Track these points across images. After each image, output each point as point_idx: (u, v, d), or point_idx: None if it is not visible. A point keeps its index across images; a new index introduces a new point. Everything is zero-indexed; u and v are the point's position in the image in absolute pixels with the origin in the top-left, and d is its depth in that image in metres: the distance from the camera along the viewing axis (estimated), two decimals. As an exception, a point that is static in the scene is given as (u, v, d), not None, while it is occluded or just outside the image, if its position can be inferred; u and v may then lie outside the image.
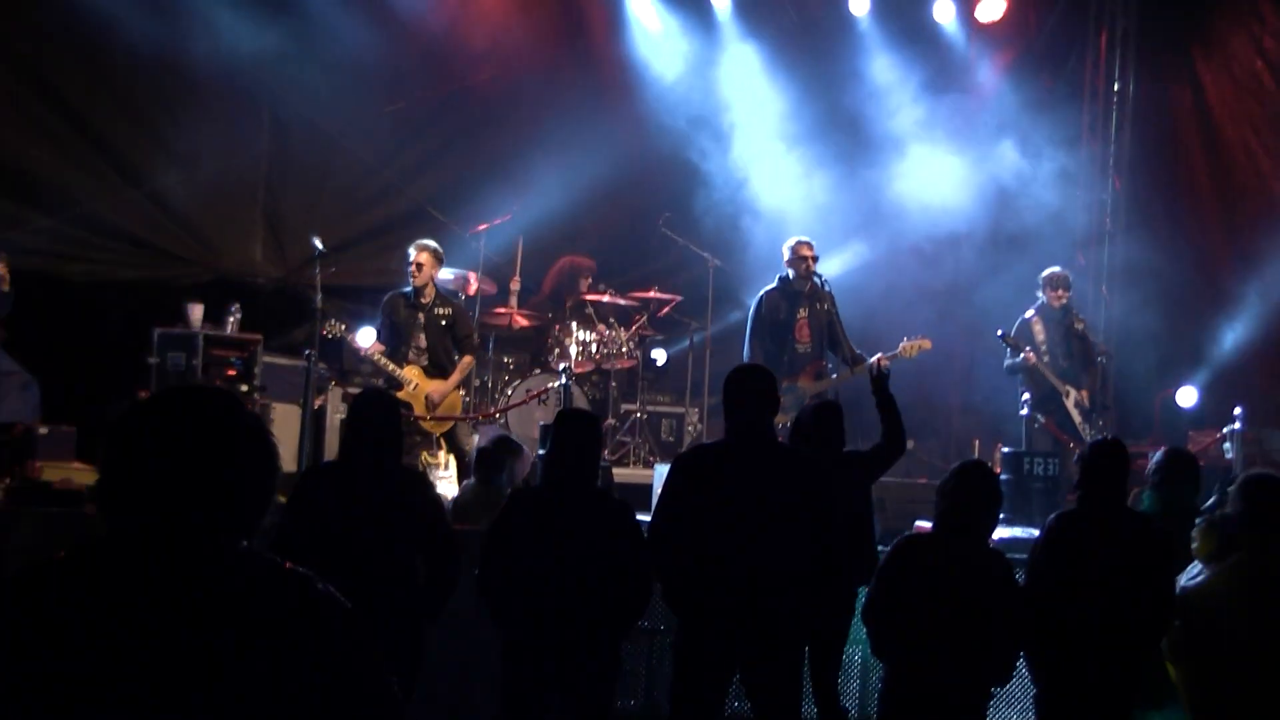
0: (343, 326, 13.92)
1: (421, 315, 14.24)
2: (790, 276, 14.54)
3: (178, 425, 3.20)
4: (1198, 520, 7.86)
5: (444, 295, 14.57)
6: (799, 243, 14.62)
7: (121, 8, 15.54)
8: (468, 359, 14.51)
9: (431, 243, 14.35)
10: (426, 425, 14.18)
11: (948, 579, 7.37)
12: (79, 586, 3.11)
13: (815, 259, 14.54)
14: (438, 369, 14.26)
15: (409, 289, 14.24)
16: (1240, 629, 7.26)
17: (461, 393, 15.19)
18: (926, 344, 14.65)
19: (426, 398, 14.09)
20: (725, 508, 7.53)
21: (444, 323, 14.35)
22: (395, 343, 14.11)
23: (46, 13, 15.83)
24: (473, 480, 11.61)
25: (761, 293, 14.65)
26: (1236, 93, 19.22)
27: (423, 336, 14.21)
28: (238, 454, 3.24)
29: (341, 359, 15.04)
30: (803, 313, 14.52)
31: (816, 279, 14.46)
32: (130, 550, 3.14)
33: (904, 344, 14.54)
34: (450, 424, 14.28)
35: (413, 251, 14.19)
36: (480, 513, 10.64)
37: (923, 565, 7.47)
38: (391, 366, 13.92)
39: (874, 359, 14.36)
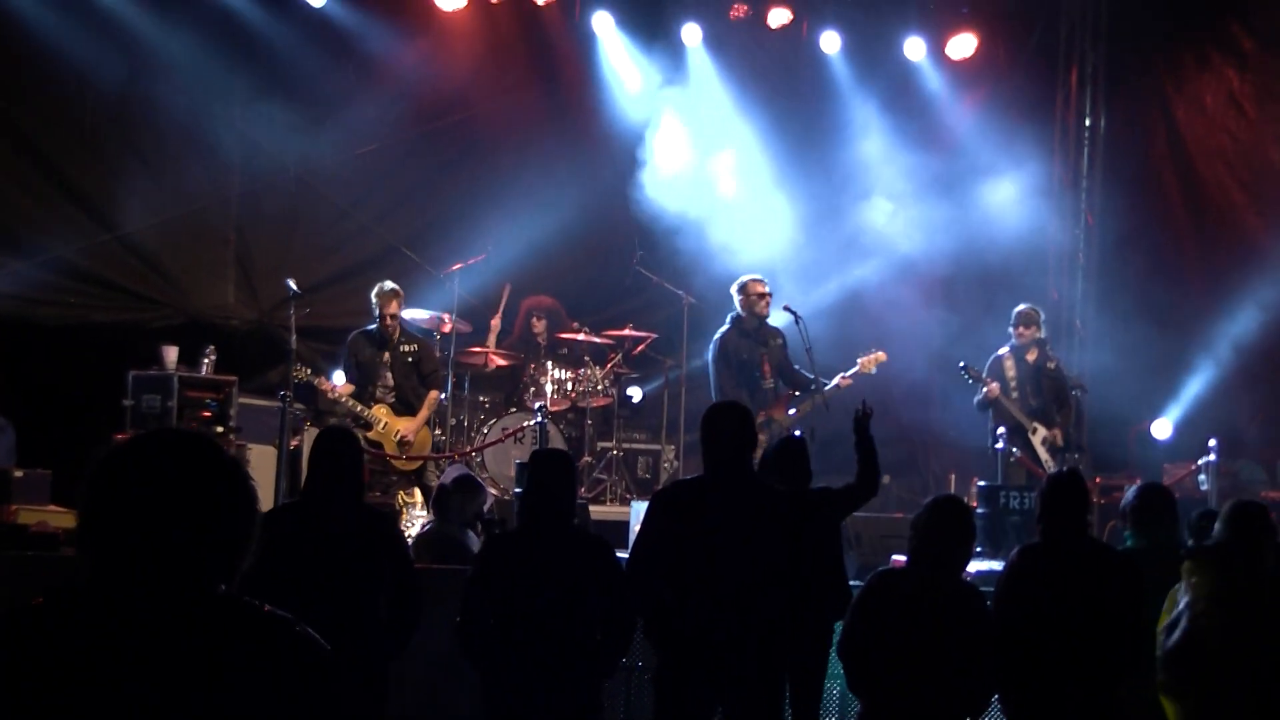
0: (308, 370, 13.91)
1: (388, 354, 14.25)
2: (743, 315, 14.59)
3: (157, 469, 3.18)
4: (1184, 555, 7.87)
5: (408, 332, 14.62)
6: (752, 280, 14.69)
7: (91, 54, 15.62)
8: (434, 394, 14.54)
9: (390, 284, 14.38)
10: (398, 464, 14.17)
11: (922, 613, 7.36)
12: (59, 631, 3.09)
13: (770, 295, 14.60)
14: (405, 406, 14.26)
15: (373, 328, 14.27)
16: (1239, 654, 7.29)
17: (435, 430, 15.21)
18: (882, 356, 14.83)
19: (398, 436, 14.08)
20: (704, 543, 7.52)
21: (410, 360, 14.38)
22: (362, 382, 14.10)
23: (16, 61, 15.84)
24: (433, 519, 11.61)
25: (717, 335, 14.72)
26: (1208, 127, 19.33)
27: (390, 375, 14.23)
28: (217, 497, 3.22)
29: (316, 400, 15.01)
30: (763, 350, 14.60)
31: (766, 316, 14.58)
32: (111, 595, 3.13)
33: (861, 360, 14.71)
34: (420, 462, 14.28)
35: (379, 301, 14.21)
36: (438, 550, 10.66)
37: (897, 599, 7.46)
38: (360, 407, 13.92)
39: (834, 381, 14.51)
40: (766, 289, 14.60)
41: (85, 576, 3.17)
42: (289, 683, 3.17)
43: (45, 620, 3.13)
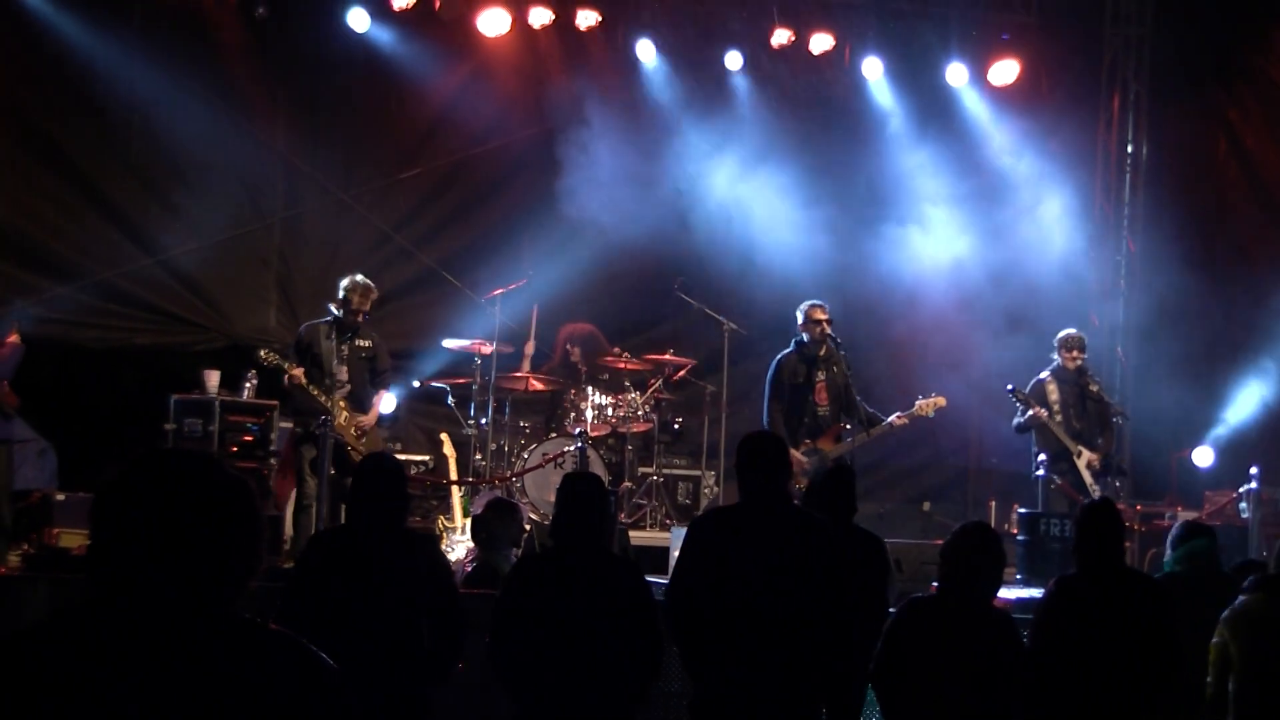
0: (276, 355, 13.68)
1: (346, 348, 14.00)
2: (805, 340, 14.55)
3: (162, 490, 3.20)
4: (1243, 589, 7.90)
5: (367, 328, 14.28)
6: (812, 306, 14.63)
7: (135, 78, 15.73)
8: (383, 393, 14.32)
9: (363, 278, 14.12)
10: (354, 454, 13.73)
11: (952, 640, 7.34)
12: (63, 652, 3.11)
13: (830, 322, 14.56)
14: (356, 401, 14.06)
15: (331, 320, 13.98)
16: None
17: (474, 454, 15.24)
18: (941, 401, 14.69)
19: (356, 428, 13.88)
20: (742, 570, 7.52)
21: (364, 355, 14.16)
22: (315, 374, 13.76)
23: (60, 84, 16.02)
24: (478, 552, 11.60)
25: (778, 358, 14.65)
26: (1251, 153, 19.27)
27: (345, 369, 13.95)
28: (223, 517, 3.24)
29: (286, 388, 14.49)
30: (820, 376, 14.53)
31: (832, 342, 14.47)
32: (117, 615, 3.14)
33: (920, 403, 14.60)
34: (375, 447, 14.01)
35: (354, 295, 13.95)
36: (490, 584, 10.64)
37: (927, 627, 7.45)
38: (323, 397, 13.63)
39: (891, 418, 14.43)
40: (824, 315, 14.55)
41: (91, 596, 3.19)
42: (296, 703, 3.18)
43: (50, 641, 3.15)
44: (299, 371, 13.65)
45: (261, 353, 13.74)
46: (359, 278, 14.11)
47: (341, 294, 14.02)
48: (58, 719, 3.05)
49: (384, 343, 14.70)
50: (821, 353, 14.52)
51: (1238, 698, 7.42)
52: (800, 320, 14.62)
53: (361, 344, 14.16)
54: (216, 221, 16.74)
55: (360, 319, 14.01)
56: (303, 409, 13.88)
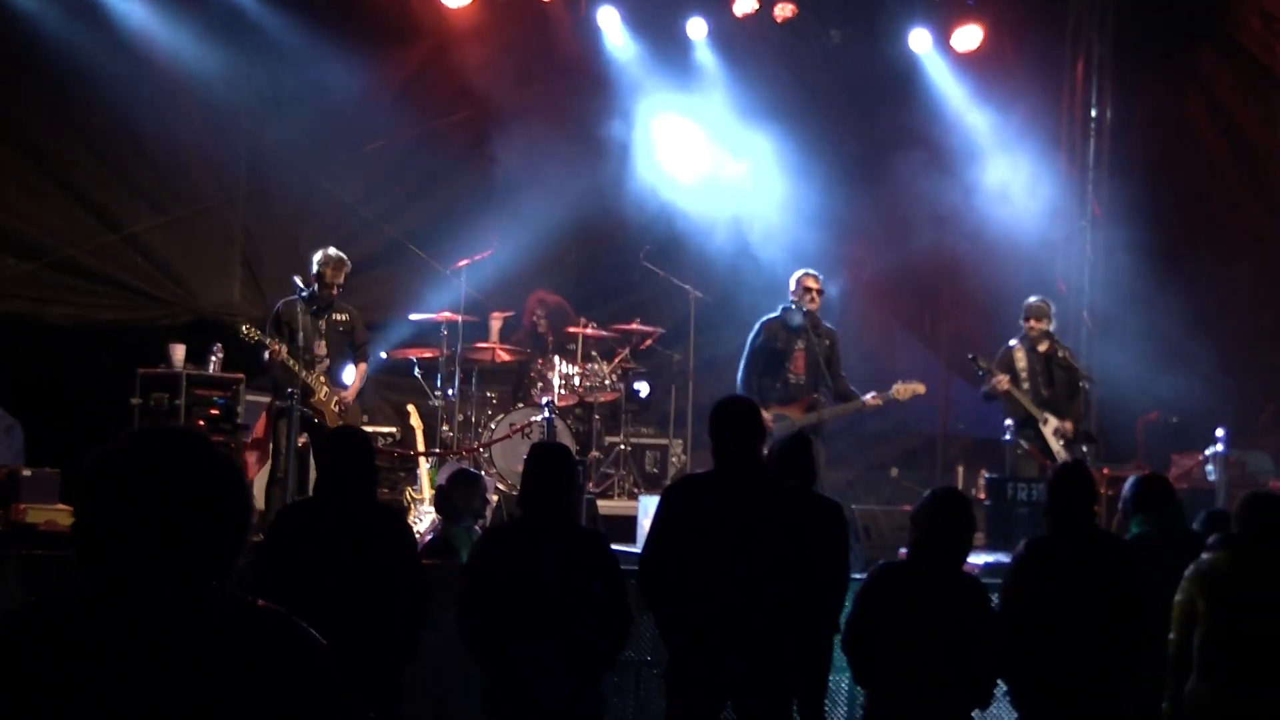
0: (258, 331, 13.62)
1: (323, 323, 13.96)
2: (793, 306, 14.55)
3: (148, 469, 3.17)
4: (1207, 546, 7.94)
5: (341, 302, 14.23)
6: (805, 274, 14.66)
7: (95, 52, 15.65)
8: (363, 366, 14.32)
9: (337, 251, 13.98)
10: (330, 420, 13.75)
11: (923, 605, 7.38)
12: (52, 632, 3.09)
13: (820, 292, 14.58)
14: (335, 378, 14.04)
15: (306, 293, 13.88)
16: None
17: (441, 425, 15.23)
18: (920, 388, 14.73)
19: (336, 403, 13.85)
20: (715, 537, 7.56)
21: (341, 329, 14.12)
22: (293, 349, 13.77)
23: (19, 60, 15.88)
24: (440, 521, 11.60)
25: (762, 320, 14.65)
26: (1214, 118, 19.32)
27: (323, 344, 13.89)
28: (211, 494, 3.21)
29: (267, 364, 14.51)
30: (800, 344, 14.54)
31: (820, 315, 14.55)
32: (105, 594, 3.12)
33: (897, 386, 14.63)
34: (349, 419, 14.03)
35: (327, 269, 13.83)
36: (434, 550, 10.68)
37: (898, 592, 7.49)
38: (304, 372, 13.60)
39: (866, 397, 14.46)
40: (816, 284, 14.56)
41: (79, 576, 3.17)
42: (285, 677, 3.16)
43: (39, 622, 3.13)
44: (281, 348, 13.56)
45: (245, 328, 13.66)
46: (331, 251, 14.01)
47: (315, 269, 13.91)
48: (46, 699, 3.03)
49: (360, 315, 14.63)
50: (807, 321, 14.52)
51: (1201, 656, 7.45)
52: (792, 287, 14.64)
53: (339, 318, 14.11)
54: (180, 197, 16.67)
55: (334, 293, 13.95)
56: (282, 384, 13.84)
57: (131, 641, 3.08)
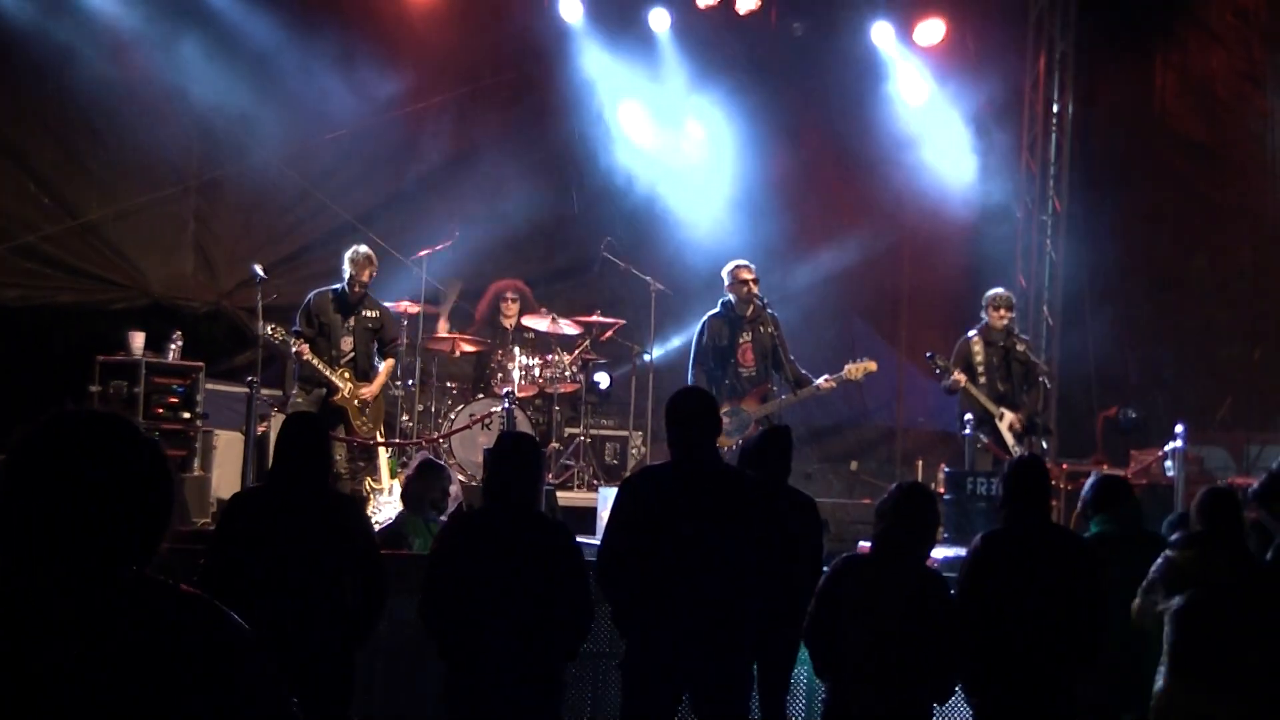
0: (282, 331, 13.71)
1: (352, 319, 14.07)
2: (732, 301, 14.51)
3: (64, 452, 3.15)
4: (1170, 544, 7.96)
5: (372, 298, 14.41)
6: (738, 266, 14.58)
7: (49, 38, 15.55)
8: (390, 363, 14.43)
9: (366, 249, 14.18)
10: (362, 431, 14.01)
11: (886, 599, 7.36)
12: None
13: (756, 281, 14.51)
14: (360, 374, 14.14)
15: (339, 288, 14.08)
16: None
17: (402, 416, 15.20)
18: (872, 366, 14.67)
19: (359, 400, 13.95)
20: (672, 530, 7.52)
21: (370, 326, 14.23)
22: (321, 345, 13.86)
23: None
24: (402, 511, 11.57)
25: (704, 318, 14.59)
26: (1178, 111, 19.38)
27: (350, 340, 14.06)
28: (134, 477, 3.19)
29: (284, 379, 14.82)
30: (745, 337, 14.48)
31: (759, 302, 14.44)
32: (22, 575, 3.09)
33: (849, 367, 14.56)
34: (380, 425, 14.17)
35: (354, 266, 14.01)
36: (409, 538, 10.67)
37: (861, 585, 7.47)
38: (326, 370, 13.71)
39: (819, 381, 14.42)
40: (751, 274, 14.49)
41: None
42: (202, 661, 3.13)
43: None
44: (305, 347, 13.75)
45: (269, 329, 13.77)
46: (361, 249, 14.24)
47: (346, 267, 14.07)
48: None
49: (392, 314, 14.85)
50: (748, 313, 14.46)
51: (1170, 655, 7.44)
52: (726, 281, 14.56)
53: (368, 314, 14.29)
54: (134, 182, 16.57)
55: (360, 290, 14.10)
56: (307, 379, 13.99)
57: (44, 620, 3.05)
